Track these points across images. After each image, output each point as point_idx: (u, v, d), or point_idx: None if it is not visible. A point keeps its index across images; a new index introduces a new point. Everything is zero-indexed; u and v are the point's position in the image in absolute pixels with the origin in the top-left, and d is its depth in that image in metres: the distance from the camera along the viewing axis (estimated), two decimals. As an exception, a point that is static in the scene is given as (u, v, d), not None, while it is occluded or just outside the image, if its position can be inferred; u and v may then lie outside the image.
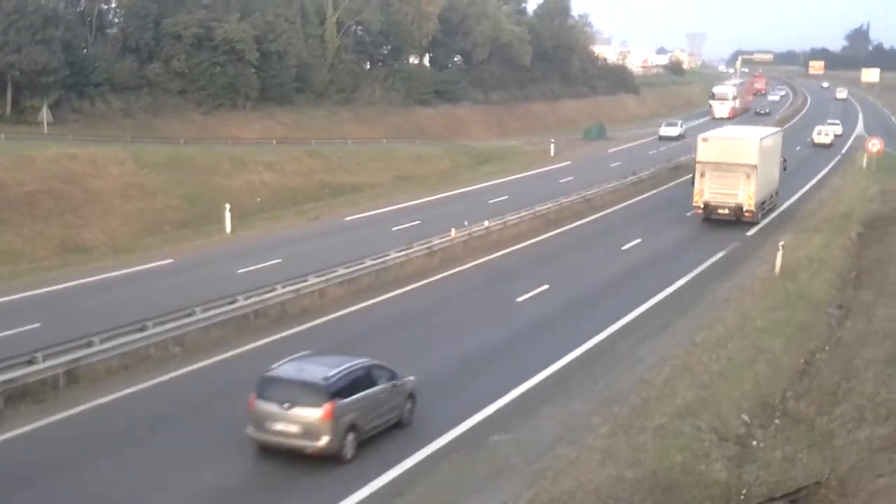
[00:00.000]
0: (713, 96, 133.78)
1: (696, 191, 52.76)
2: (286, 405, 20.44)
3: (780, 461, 20.11)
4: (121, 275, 39.75)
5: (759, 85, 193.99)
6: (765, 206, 54.46)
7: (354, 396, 21.08)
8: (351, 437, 20.85)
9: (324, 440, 20.34)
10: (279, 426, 20.53)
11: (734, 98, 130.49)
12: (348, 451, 20.84)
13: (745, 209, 51.51)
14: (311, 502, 19.59)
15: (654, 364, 26.78)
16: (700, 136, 54.14)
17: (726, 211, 51.82)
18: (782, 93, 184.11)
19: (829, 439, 20.76)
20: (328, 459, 20.60)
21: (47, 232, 50.51)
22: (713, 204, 51.91)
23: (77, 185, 55.66)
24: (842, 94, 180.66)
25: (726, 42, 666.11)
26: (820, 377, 26.00)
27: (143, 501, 19.13)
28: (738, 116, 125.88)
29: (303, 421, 20.38)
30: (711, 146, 52.78)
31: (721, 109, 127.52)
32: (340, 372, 21.28)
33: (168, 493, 19.40)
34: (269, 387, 21.03)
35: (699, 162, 52.55)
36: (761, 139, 53.62)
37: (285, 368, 21.65)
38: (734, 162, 51.48)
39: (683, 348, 28.00)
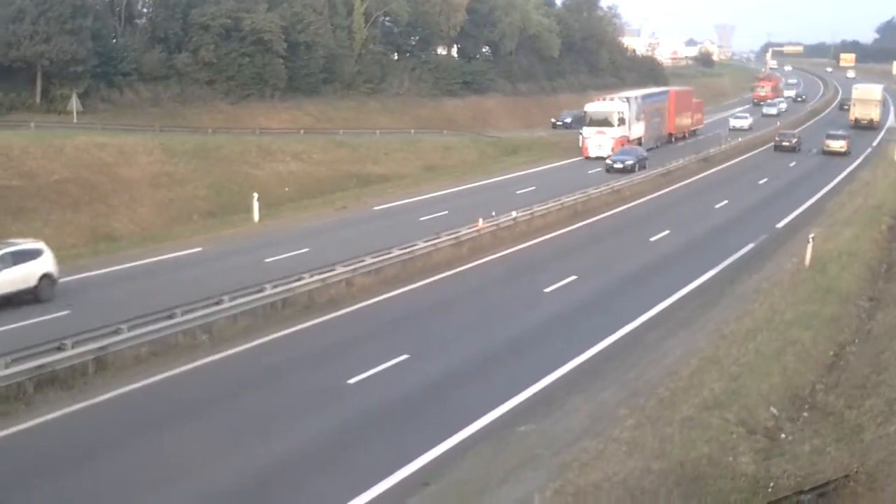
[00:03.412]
0: (585, 117, 78.67)
1: (850, 113, 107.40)
2: (836, 139, 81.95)
3: (808, 454, 19.95)
4: (149, 263, 40.03)
5: (764, 91, 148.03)
6: (880, 123, 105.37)
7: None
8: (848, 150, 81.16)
9: (847, 149, 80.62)
10: (833, 146, 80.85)
11: (622, 122, 75.72)
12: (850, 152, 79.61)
13: (874, 122, 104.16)
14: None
15: (681, 356, 26.65)
16: (853, 86, 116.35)
17: (865, 122, 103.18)
18: (783, 106, 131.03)
19: (859, 433, 20.58)
20: (846, 156, 79.21)
21: (76, 220, 50.86)
22: (858, 118, 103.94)
23: (106, 174, 56.00)
24: (851, 74, 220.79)
25: (756, 34, 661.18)
26: (849, 370, 25.81)
27: (171, 487, 19.18)
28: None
29: (840, 143, 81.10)
30: (859, 91, 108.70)
31: (598, 144, 74.62)
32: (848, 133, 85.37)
33: (196, 479, 19.44)
34: (829, 136, 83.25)
35: (853, 98, 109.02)
36: (883, 89, 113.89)
37: (832, 131, 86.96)
38: (869, 98, 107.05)
39: (711, 340, 27.85)
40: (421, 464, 20.20)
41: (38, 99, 69.41)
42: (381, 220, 50.57)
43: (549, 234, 46.10)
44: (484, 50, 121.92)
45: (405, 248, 38.09)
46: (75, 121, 64.70)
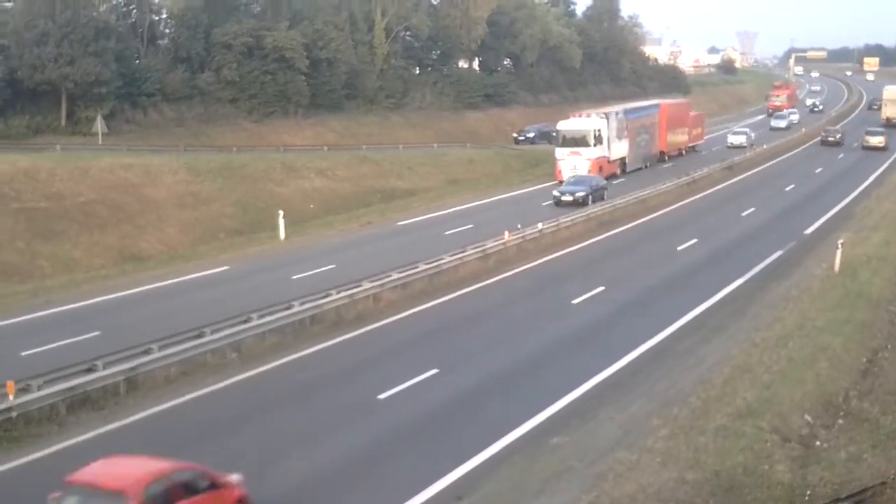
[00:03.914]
0: (558, 136, 69.20)
1: (881, 113, 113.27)
2: (875, 135, 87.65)
3: (844, 461, 19.78)
4: (177, 282, 40.18)
5: (779, 101, 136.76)
6: None
7: None
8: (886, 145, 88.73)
9: (885, 144, 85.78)
10: (872, 142, 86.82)
11: (599, 141, 66.67)
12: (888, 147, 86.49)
13: None
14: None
15: (713, 364, 26.46)
16: (884, 88, 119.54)
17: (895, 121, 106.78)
18: (794, 118, 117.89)
19: (894, 439, 20.41)
20: (885, 150, 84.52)
21: (104, 241, 51.11)
22: (889, 117, 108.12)
23: (132, 195, 56.29)
24: (870, 77, 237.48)
25: (779, 40, 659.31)
26: (883, 376, 25.57)
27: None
28: (615, 177, 68.24)
29: (878, 139, 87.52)
30: (889, 92, 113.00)
31: (573, 166, 65.57)
32: (885, 130, 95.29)
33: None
34: (868, 132, 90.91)
35: (884, 98, 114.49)
36: None
37: (871, 128, 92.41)
38: None
39: (743, 348, 27.63)
40: (454, 478, 20.13)
41: (63, 121, 69.92)
42: (407, 234, 50.55)
43: (575, 245, 45.96)
44: (505, 62, 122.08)
45: (431, 262, 38.00)
46: (100, 142, 65.05)
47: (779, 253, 43.53)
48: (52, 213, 51.20)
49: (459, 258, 39.44)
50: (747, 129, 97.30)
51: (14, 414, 22.49)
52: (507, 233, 43.05)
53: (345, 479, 20.27)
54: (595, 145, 66.46)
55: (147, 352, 26.23)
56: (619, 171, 70.04)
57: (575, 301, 35.22)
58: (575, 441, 21.87)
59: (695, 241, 46.25)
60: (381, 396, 25.02)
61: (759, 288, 37.03)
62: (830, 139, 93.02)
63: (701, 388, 24.13)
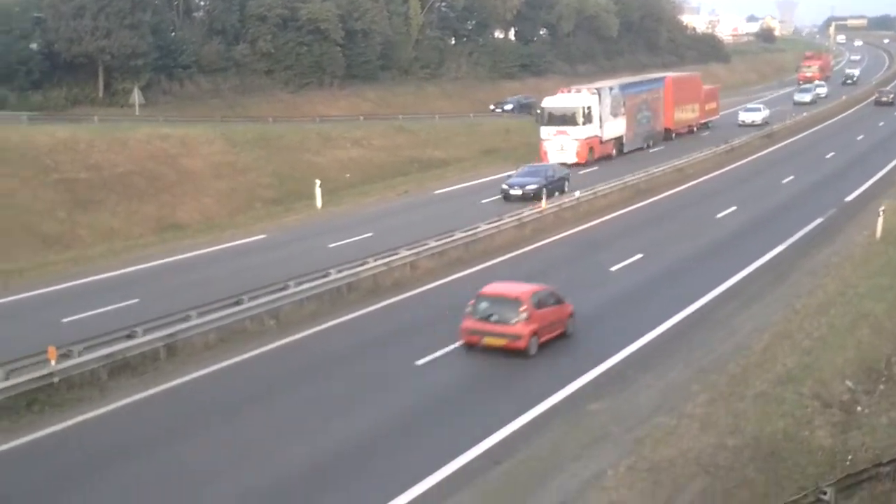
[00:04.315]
0: (543, 114, 62.91)
1: None
2: None
3: (885, 427, 19.65)
4: (215, 251, 40.44)
5: (811, 72, 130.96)
6: None
7: None
8: None
9: None
10: None
11: (588, 120, 61.20)
12: None
13: None
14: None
15: (752, 331, 26.30)
16: None
17: None
18: (822, 91, 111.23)
19: (937, 405, 20.24)
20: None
21: (142, 211, 51.48)
22: None
23: (169, 165, 56.58)
24: None
25: (819, 8, 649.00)
26: (926, 342, 25.30)
27: (245, 472, 19.23)
28: (610, 158, 63.81)
29: None
30: None
31: (560, 146, 60.87)
32: None
33: (266, 464, 19.45)
34: None
35: None
36: None
37: None
38: None
39: (783, 315, 27.44)
40: (493, 442, 20.07)
41: (100, 93, 70.44)
42: (443, 203, 50.52)
43: (612, 213, 45.68)
44: (541, 32, 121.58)
45: (469, 230, 37.95)
46: (137, 113, 65.50)
47: (819, 220, 43.06)
48: (91, 183, 51.57)
49: (496, 226, 39.35)
50: (761, 105, 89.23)
51: (56, 379, 22.71)
52: (543, 201, 42.86)
53: (388, 441, 20.30)
54: (584, 124, 61.02)
55: (186, 319, 26.39)
56: (613, 152, 64.78)
57: (613, 269, 35.02)
58: (613, 407, 21.78)
59: (734, 208, 45.87)
60: (419, 363, 25.02)
61: (800, 255, 36.66)
62: (884, 99, 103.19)
63: (740, 355, 24.03)
